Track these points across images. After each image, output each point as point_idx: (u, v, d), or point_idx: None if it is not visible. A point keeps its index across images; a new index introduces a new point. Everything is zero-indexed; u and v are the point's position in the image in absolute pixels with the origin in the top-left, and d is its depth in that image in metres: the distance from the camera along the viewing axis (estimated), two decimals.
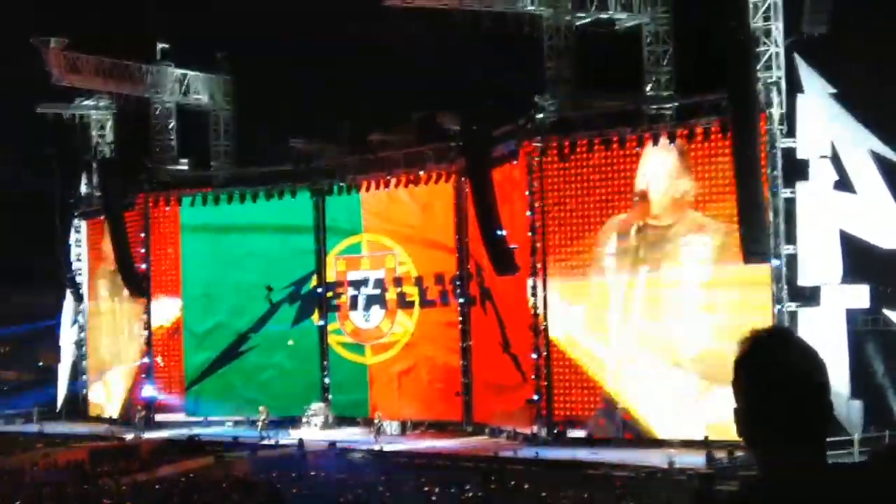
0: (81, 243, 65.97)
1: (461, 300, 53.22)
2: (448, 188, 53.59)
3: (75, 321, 66.56)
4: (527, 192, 47.79)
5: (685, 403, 43.64)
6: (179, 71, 64.01)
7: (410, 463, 44.45)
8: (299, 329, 58.64)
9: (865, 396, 41.65)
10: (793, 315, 42.51)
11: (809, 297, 42.67)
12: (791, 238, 42.75)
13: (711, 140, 44.00)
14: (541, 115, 48.83)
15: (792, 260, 42.71)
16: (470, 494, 34.48)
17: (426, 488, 35.71)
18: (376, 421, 52.49)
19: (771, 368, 4.07)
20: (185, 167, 64.62)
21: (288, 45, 61.24)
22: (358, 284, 57.50)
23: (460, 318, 53.25)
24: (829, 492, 3.92)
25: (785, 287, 42.60)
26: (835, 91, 42.66)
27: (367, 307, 57.20)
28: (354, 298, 57.62)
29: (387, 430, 52.39)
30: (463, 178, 51.47)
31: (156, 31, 63.52)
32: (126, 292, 61.06)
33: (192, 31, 63.01)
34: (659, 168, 45.37)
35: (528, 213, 47.59)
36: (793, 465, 3.97)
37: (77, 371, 66.20)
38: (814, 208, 42.51)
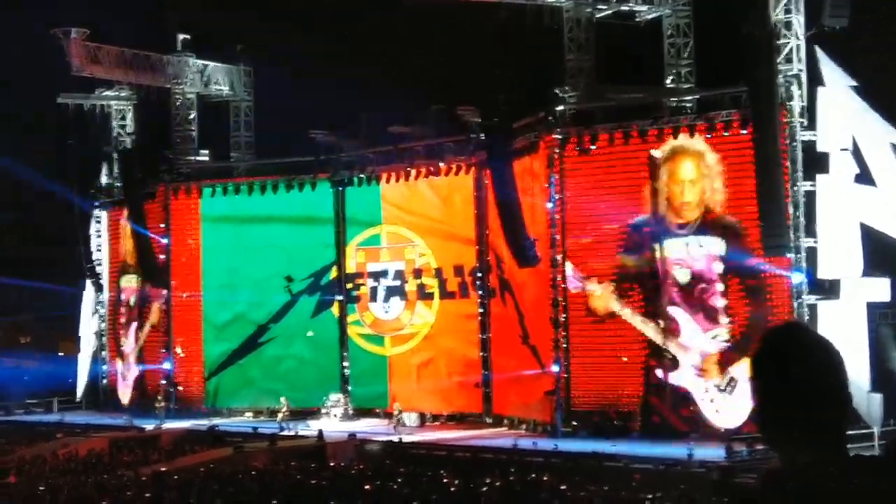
0: (102, 234, 66.13)
1: (481, 292, 53.24)
2: (468, 180, 53.59)
3: (95, 311, 66.73)
4: (547, 185, 47.78)
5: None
6: (200, 62, 64.08)
7: (430, 454, 44.51)
8: (319, 320, 58.70)
9: (885, 389, 41.55)
10: (812, 308, 42.44)
11: (829, 290, 42.55)
12: (811, 231, 42.64)
13: (732, 133, 43.92)
14: (561, 108, 48.82)
15: (812, 253, 42.61)
16: (489, 485, 34.50)
17: (445, 480, 35.74)
18: (395, 412, 52.58)
19: (788, 365, 4.10)
20: (206, 158, 64.75)
21: (308, 37, 61.28)
22: (378, 276, 57.53)
23: (480, 310, 53.28)
24: (848, 484, 3.95)
25: (805, 280, 42.55)
26: (856, 84, 42.51)
27: (387, 299, 57.24)
28: (374, 290, 57.65)
29: (406, 422, 52.45)
30: (483, 171, 51.48)
31: (176, 21, 63.59)
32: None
33: (212, 22, 63.09)
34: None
35: (549, 205, 47.59)
36: (812, 458, 3.99)
37: (97, 361, 66.37)
38: (834, 201, 42.38)
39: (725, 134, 44.08)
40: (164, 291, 60.87)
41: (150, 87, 63.68)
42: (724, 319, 43.67)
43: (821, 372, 4.12)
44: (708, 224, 44.32)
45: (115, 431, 54.49)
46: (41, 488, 35.80)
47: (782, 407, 4.10)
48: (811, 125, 42.82)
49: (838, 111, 42.56)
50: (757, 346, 4.23)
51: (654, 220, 45.43)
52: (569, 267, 47.05)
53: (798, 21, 43.58)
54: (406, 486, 34.44)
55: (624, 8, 50.78)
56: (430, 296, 55.56)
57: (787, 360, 4.13)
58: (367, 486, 34.28)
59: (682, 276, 44.81)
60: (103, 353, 66.15)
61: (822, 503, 3.95)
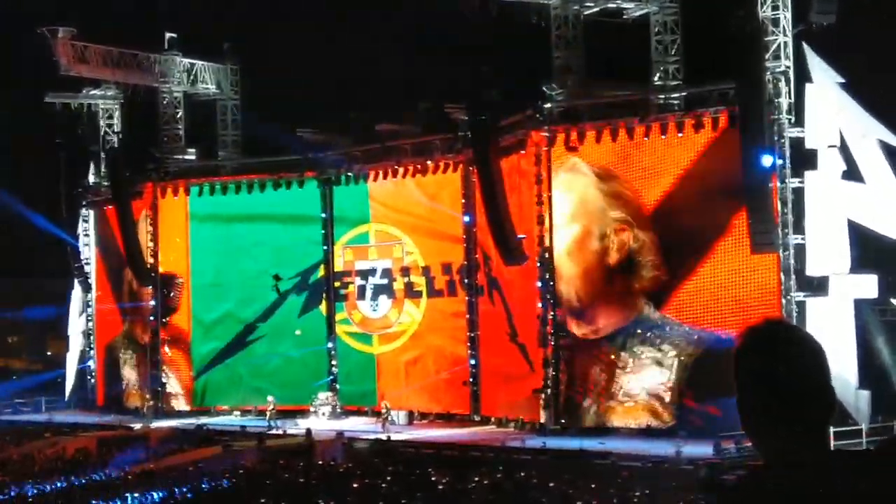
0: (89, 233, 66.01)
1: (468, 290, 53.18)
2: (456, 178, 53.51)
3: (83, 311, 66.62)
4: (535, 182, 47.75)
5: None
6: (187, 60, 63.98)
7: (418, 453, 44.50)
8: (307, 319, 58.66)
9: (873, 386, 41.61)
10: (801, 305, 42.47)
11: (818, 287, 42.59)
12: (799, 228, 42.68)
13: (719, 129, 43.93)
14: (548, 105, 48.79)
15: (800, 250, 42.65)
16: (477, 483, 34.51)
17: (434, 478, 35.75)
18: (384, 411, 52.51)
19: (770, 360, 4.07)
20: (193, 157, 64.67)
21: (295, 35, 61.28)
22: (365, 274, 57.50)
23: (468, 308, 53.21)
24: (831, 480, 3.92)
25: (793, 277, 42.56)
26: (843, 80, 42.55)
27: (375, 297, 57.22)
28: (362, 288, 57.63)
29: (394, 420, 52.40)
30: (470, 168, 51.42)
31: (163, 20, 63.54)
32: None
33: (199, 21, 63.03)
34: None
35: (536, 202, 47.55)
36: (794, 454, 3.97)
37: (85, 360, 66.26)
38: (822, 198, 42.43)
39: (713, 131, 44.09)
40: (152, 290, 60.71)
41: (137, 86, 63.57)
42: None
43: (808, 369, 4.10)
44: None
45: (104, 430, 54.42)
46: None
47: (768, 405, 4.07)
48: (799, 122, 42.85)
49: (826, 108, 42.61)
50: (740, 343, 4.19)
51: None
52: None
53: (785, 17, 43.60)
54: (394, 484, 34.46)
55: (611, 5, 50.77)
56: (417, 294, 55.52)
57: (774, 357, 4.10)
58: (355, 485, 34.31)
59: None
60: (91, 352, 66.00)
61: (808, 503, 3.93)
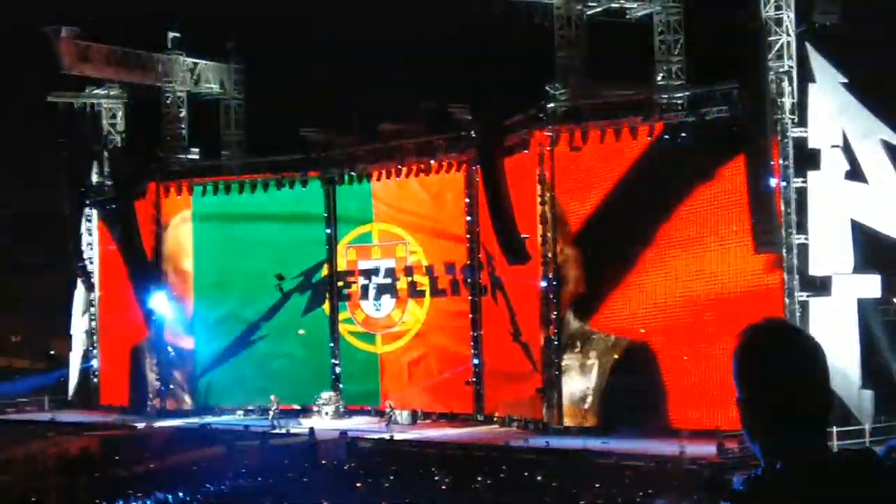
0: (92, 232, 65.95)
1: (472, 289, 53.19)
2: (459, 177, 53.54)
3: (86, 310, 66.57)
4: (538, 182, 47.78)
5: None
6: (190, 60, 63.91)
7: (421, 452, 44.52)
8: (310, 318, 58.65)
9: (876, 385, 41.60)
10: (804, 305, 42.45)
11: (821, 286, 42.59)
12: (802, 228, 42.67)
13: (722, 129, 43.95)
14: (552, 105, 48.81)
15: (803, 250, 42.63)
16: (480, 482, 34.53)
17: (437, 477, 35.77)
18: (387, 410, 52.53)
19: (770, 360, 4.09)
20: (196, 156, 64.58)
21: (299, 34, 61.27)
22: (369, 273, 57.51)
23: (471, 308, 53.22)
24: (831, 479, 3.94)
25: (796, 277, 42.54)
26: (846, 80, 42.56)
27: (378, 296, 57.22)
28: (365, 287, 57.63)
29: (397, 420, 52.40)
30: (474, 168, 51.45)
31: (167, 19, 63.50)
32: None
33: (203, 20, 63.00)
34: None
35: (539, 202, 47.57)
36: (794, 454, 3.99)
37: (88, 359, 66.21)
38: (825, 198, 42.43)
39: (715, 131, 44.10)
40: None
41: (140, 86, 63.55)
42: None
43: (814, 369, 4.12)
44: None
45: (107, 430, 54.40)
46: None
47: (774, 404, 4.09)
48: (802, 122, 42.83)
49: (829, 108, 42.61)
50: (744, 343, 4.20)
51: None
52: None
53: (789, 17, 43.56)
54: (397, 483, 34.49)
55: (614, 5, 50.76)
56: (421, 293, 55.53)
57: (781, 356, 4.11)
58: (358, 484, 34.33)
59: None
60: (94, 351, 65.93)
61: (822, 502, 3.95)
